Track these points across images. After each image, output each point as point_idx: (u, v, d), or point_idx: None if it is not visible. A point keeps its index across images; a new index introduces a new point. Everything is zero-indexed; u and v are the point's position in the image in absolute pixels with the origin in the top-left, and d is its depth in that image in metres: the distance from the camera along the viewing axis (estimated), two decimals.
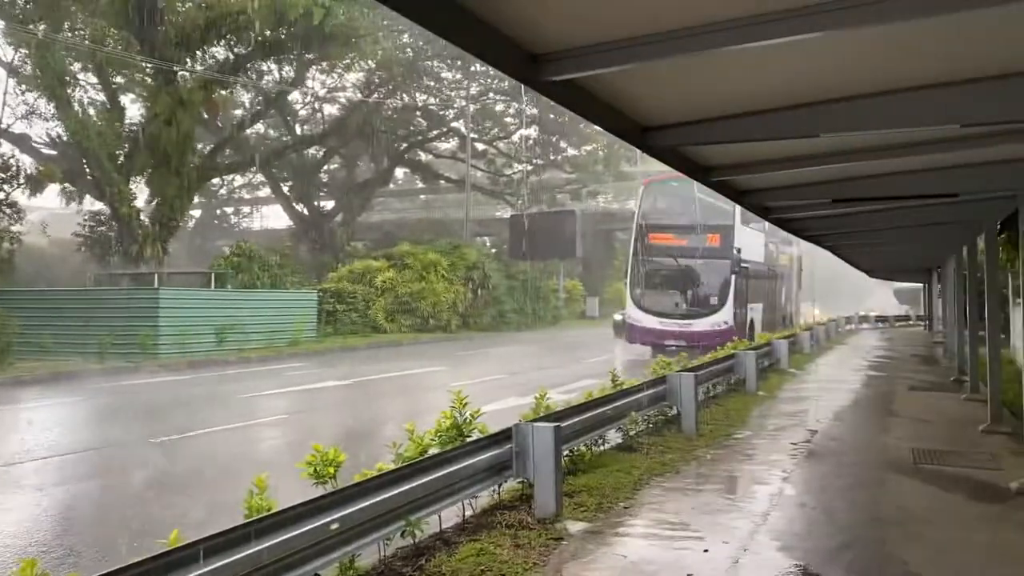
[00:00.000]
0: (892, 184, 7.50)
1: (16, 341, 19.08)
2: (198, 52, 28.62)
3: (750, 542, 5.45)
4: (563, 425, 6.40)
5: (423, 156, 48.51)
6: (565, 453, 6.85)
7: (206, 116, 32.29)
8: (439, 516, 5.36)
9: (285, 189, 43.33)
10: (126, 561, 3.17)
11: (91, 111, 28.63)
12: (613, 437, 8.37)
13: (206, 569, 3.41)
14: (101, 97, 29.93)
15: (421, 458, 5.22)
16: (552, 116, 43.91)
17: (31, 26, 25.40)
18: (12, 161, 24.69)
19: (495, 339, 30.98)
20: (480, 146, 47.55)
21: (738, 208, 18.66)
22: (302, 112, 42.79)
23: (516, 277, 39.27)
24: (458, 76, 43.54)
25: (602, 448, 8.05)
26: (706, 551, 5.25)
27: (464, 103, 43.35)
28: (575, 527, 5.72)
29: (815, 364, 18.85)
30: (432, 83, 43.53)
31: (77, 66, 28.54)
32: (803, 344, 21.13)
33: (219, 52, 30.57)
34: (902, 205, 8.89)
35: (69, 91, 26.76)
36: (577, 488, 6.60)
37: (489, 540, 5.31)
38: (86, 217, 29.51)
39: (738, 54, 3.73)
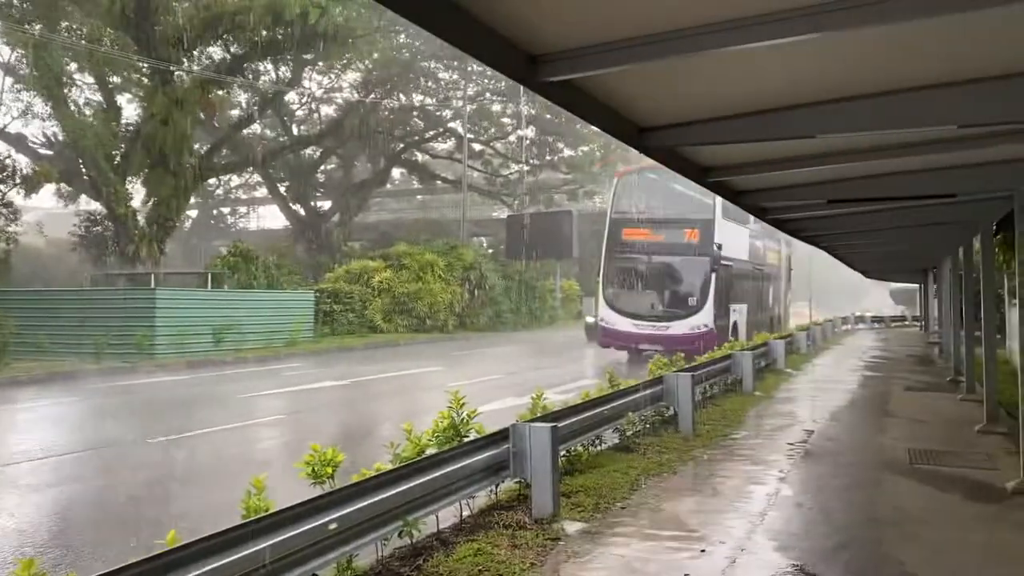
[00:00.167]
0: (889, 185, 7.50)
1: (12, 341, 19.03)
2: (195, 52, 28.60)
3: (747, 542, 5.46)
4: (560, 425, 6.40)
5: (420, 156, 48.45)
6: (562, 453, 6.87)
7: (203, 116, 32.23)
8: (437, 516, 5.37)
9: (282, 189, 43.29)
10: (125, 561, 3.17)
11: (87, 111, 28.66)
12: (610, 437, 8.37)
13: (204, 569, 3.42)
14: (98, 97, 29.97)
15: (419, 458, 5.24)
16: (549, 117, 43.93)
17: (28, 26, 25.37)
18: (8, 161, 24.61)
19: (492, 339, 30.98)
20: (477, 146, 47.52)
21: (719, 200, 17.58)
22: (299, 112, 42.87)
23: (513, 277, 39.23)
24: (455, 77, 43.55)
25: (599, 448, 8.05)
26: (703, 551, 5.26)
27: (461, 103, 43.32)
28: (572, 527, 5.73)
29: (811, 364, 18.87)
30: (429, 84, 43.56)
31: (74, 66, 28.55)
32: (800, 344, 21.14)
33: (216, 52, 30.58)
34: (898, 206, 8.89)
35: (66, 91, 26.79)
36: (574, 488, 6.60)
37: (486, 540, 5.31)
38: (82, 217, 29.52)
39: (736, 55, 3.73)
